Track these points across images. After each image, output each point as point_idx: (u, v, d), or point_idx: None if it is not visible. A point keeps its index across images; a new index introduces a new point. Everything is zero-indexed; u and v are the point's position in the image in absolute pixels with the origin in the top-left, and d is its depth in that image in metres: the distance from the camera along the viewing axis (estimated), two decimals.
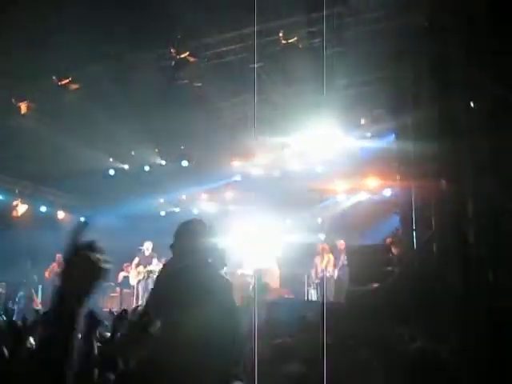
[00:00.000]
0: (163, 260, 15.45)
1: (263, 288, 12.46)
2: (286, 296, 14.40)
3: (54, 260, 15.70)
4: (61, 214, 17.82)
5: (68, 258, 1.69)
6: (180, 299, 4.03)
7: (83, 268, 1.67)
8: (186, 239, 4.55)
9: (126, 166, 17.30)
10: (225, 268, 5.09)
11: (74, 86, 13.18)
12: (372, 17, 10.90)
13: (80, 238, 1.70)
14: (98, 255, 1.69)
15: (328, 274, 13.88)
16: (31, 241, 15.60)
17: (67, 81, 13.04)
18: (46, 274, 15.61)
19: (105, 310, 13.23)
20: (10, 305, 14.34)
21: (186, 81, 12.94)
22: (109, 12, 10.38)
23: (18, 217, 16.52)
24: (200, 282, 4.19)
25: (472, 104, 11.52)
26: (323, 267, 14.12)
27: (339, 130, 13.86)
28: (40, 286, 15.69)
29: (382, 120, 12.90)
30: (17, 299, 14.96)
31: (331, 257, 14.10)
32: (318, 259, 14.44)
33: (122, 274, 16.24)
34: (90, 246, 1.71)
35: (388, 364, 3.95)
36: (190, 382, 3.67)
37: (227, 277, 4.88)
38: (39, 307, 14.48)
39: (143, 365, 4.02)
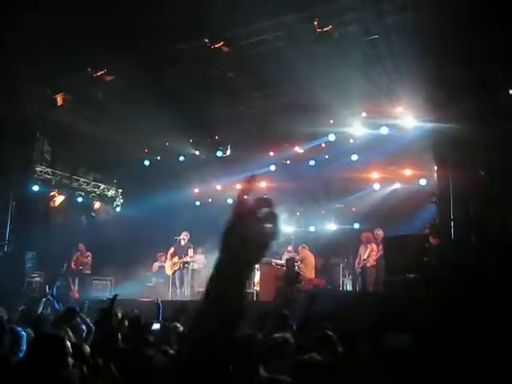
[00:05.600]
0: (199, 250, 15.54)
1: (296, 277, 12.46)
2: (322, 286, 14.36)
3: (77, 249, 15.97)
4: (97, 205, 17.97)
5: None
6: None
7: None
8: None
9: (160, 157, 17.41)
10: None
11: (108, 78, 13.27)
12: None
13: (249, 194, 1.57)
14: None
15: (369, 264, 13.71)
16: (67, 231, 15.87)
17: (102, 72, 13.13)
18: (72, 264, 15.75)
19: (142, 299, 13.34)
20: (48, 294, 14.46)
21: (219, 71, 12.92)
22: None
23: (55, 207, 16.71)
24: None
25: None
26: (365, 257, 13.93)
27: (375, 118, 13.75)
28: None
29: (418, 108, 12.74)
30: (55, 288, 15.14)
31: (374, 246, 13.91)
32: (361, 248, 14.24)
33: (156, 264, 16.34)
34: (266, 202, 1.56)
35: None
36: None
37: None
38: (76, 296, 14.65)
39: None
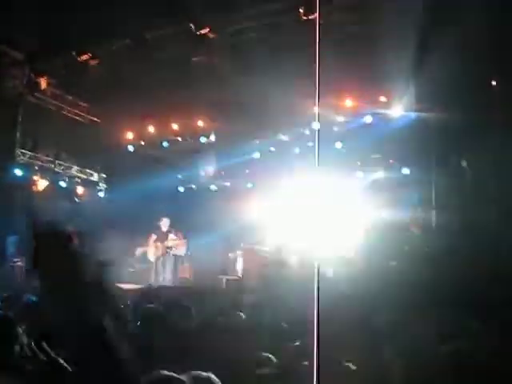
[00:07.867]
0: (180, 235, 15.53)
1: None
2: None
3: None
4: (80, 190, 17.84)
5: None
6: None
7: None
8: None
9: (144, 142, 17.28)
10: None
11: (93, 62, 13.18)
12: None
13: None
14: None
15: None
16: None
17: (87, 56, 13.04)
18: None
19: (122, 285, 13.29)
20: None
21: (204, 57, 12.89)
22: None
23: (38, 191, 16.56)
24: None
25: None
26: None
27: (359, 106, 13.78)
28: None
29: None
30: None
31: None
32: None
33: (140, 249, 16.24)
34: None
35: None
36: None
37: None
38: None
39: None
